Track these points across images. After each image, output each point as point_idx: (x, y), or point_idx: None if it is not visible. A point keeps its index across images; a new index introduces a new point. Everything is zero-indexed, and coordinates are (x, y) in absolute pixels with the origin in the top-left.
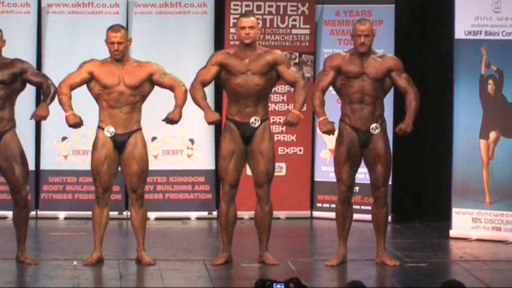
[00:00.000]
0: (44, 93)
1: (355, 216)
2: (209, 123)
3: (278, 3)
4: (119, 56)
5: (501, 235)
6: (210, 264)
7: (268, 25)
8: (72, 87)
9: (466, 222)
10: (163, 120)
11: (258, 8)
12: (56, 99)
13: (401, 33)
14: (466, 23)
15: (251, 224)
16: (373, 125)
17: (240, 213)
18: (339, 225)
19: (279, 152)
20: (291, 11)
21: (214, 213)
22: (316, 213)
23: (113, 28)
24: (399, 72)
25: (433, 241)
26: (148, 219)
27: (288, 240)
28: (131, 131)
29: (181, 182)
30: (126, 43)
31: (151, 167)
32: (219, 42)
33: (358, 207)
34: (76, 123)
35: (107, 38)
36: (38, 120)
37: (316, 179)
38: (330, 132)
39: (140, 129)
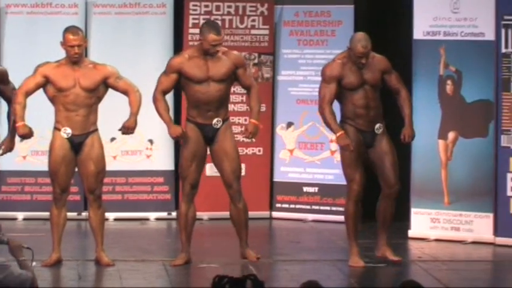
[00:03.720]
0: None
1: (314, 216)
2: (174, 137)
3: (237, 4)
4: (78, 59)
5: (459, 235)
6: (169, 265)
7: (227, 25)
8: (28, 94)
9: (425, 223)
10: (119, 130)
11: (217, 8)
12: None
13: None
14: (424, 24)
15: (210, 224)
16: (377, 125)
17: (199, 214)
18: (350, 225)
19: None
20: (250, 11)
21: (174, 213)
22: (275, 214)
23: (71, 31)
24: (389, 72)
25: (391, 241)
26: (107, 219)
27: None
28: (88, 132)
29: (140, 182)
30: (84, 45)
31: (110, 168)
32: (178, 43)
33: (317, 207)
34: (25, 134)
35: (64, 41)
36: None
37: (275, 179)
38: (348, 146)
39: (97, 130)
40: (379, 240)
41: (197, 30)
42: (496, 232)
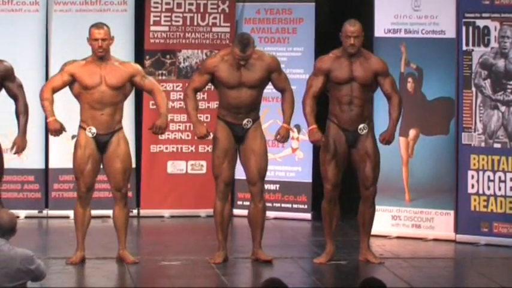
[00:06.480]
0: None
1: (276, 214)
2: (199, 137)
3: (198, 1)
4: (103, 53)
5: (420, 232)
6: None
7: (188, 23)
8: (54, 91)
9: (386, 220)
10: (149, 129)
11: (178, 5)
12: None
13: (321, 31)
14: (385, 21)
15: (172, 221)
16: (361, 126)
17: (160, 212)
18: (326, 223)
19: (200, 150)
20: (211, 9)
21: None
22: (236, 211)
23: (96, 25)
24: (384, 76)
25: (353, 238)
26: None
27: (208, 238)
28: (113, 131)
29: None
30: (109, 40)
31: None
32: (139, 40)
33: (278, 205)
34: (56, 129)
35: (89, 35)
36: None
37: (237, 177)
38: (318, 141)
39: (121, 128)
40: (360, 243)
41: (158, 28)
42: (457, 229)
